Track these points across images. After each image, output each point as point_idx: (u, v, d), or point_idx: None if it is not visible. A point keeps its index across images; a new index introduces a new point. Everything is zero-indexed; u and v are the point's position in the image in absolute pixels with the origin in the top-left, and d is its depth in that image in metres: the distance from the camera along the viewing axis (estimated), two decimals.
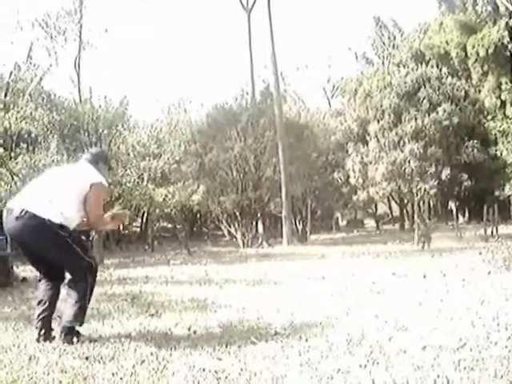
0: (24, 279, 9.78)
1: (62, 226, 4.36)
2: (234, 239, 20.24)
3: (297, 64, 38.20)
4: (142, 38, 56.70)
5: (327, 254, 13.09)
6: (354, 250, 13.94)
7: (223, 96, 33.55)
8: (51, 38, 25.48)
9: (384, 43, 33.62)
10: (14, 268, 9.92)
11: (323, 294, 6.55)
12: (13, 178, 12.79)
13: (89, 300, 4.54)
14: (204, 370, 3.49)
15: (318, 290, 6.96)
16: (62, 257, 4.48)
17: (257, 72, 24.27)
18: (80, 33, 24.09)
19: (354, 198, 20.90)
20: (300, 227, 21.81)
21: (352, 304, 5.69)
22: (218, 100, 22.15)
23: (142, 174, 16.29)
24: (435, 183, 18.83)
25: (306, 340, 4.19)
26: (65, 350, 4.10)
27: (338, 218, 32.69)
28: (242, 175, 19.39)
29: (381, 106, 22.60)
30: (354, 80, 28.36)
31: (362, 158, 19.78)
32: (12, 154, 14.27)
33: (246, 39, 23.52)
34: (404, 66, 25.47)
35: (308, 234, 21.54)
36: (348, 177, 20.41)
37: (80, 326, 4.45)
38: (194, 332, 4.59)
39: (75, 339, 4.29)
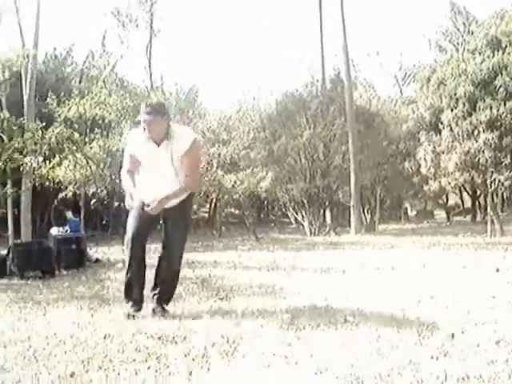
0: (97, 260, 10.11)
1: None
2: (301, 227, 20.21)
3: (368, 51, 37.51)
4: (212, 25, 57.17)
5: (396, 245, 12.89)
6: (424, 241, 13.67)
7: (293, 83, 33.31)
8: (123, 26, 26.11)
9: (458, 29, 32.61)
10: (88, 249, 10.26)
11: (393, 285, 6.47)
12: (87, 163, 13.19)
13: None
14: (274, 354, 3.51)
15: (387, 280, 6.89)
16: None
17: (327, 59, 24.02)
18: (151, 21, 24.52)
19: (425, 188, 20.41)
20: (368, 217, 21.56)
21: (423, 295, 5.58)
22: (287, 87, 22.05)
23: (211, 161, 16.49)
24: (510, 174, 18.17)
25: (376, 329, 4.14)
26: (138, 330, 4.22)
27: (407, 209, 32.09)
28: (310, 163, 19.29)
29: (455, 95, 21.86)
30: (427, 67, 27.65)
31: (435, 147, 19.27)
32: (87, 139, 14.69)
33: (317, 26, 23.32)
34: (479, 54, 24.59)
35: (376, 223, 21.27)
36: (419, 166, 19.94)
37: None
38: (264, 317, 4.62)
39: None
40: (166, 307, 4.84)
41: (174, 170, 4.62)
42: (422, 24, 60.80)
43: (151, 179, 4.72)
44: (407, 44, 58.18)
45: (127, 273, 4.83)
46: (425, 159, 19.26)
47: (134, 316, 4.66)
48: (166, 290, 4.89)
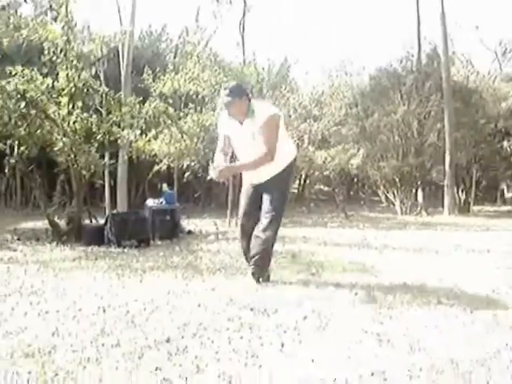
0: (190, 232, 10.36)
1: None
2: (392, 205, 19.87)
3: (466, 25, 36.06)
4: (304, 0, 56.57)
5: (492, 227, 12.46)
6: None
7: (386, 58, 32.53)
8: (217, 1, 26.25)
9: None
10: (181, 221, 10.52)
11: (488, 267, 6.27)
12: (182, 137, 13.46)
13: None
14: (366, 331, 3.50)
15: (482, 263, 6.68)
16: None
17: (423, 33, 23.16)
18: None
19: None
20: (462, 197, 20.88)
21: None
22: (380, 62, 21.53)
23: (302, 136, 16.43)
24: None
25: (471, 312, 4.04)
26: (231, 300, 4.31)
27: (503, 190, 30.88)
28: (403, 140, 18.85)
29: None
30: None
31: None
32: (181, 114, 14.97)
33: None
34: None
35: (471, 204, 20.59)
36: None
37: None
38: (355, 294, 4.60)
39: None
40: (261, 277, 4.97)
41: (257, 144, 4.78)
42: None
43: (241, 156, 5.04)
44: (508, 17, 55.38)
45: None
46: None
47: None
48: (261, 257, 4.98)
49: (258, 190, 5.06)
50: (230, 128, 5.03)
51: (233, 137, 5.06)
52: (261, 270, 4.98)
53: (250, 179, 5.14)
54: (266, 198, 4.96)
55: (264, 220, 4.91)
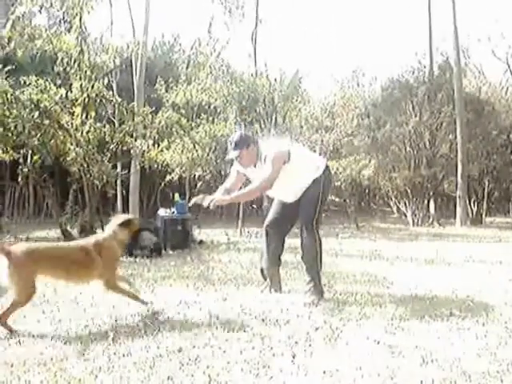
0: (201, 242, 10.36)
1: None
2: (404, 217, 19.79)
3: (478, 36, 35.92)
4: (316, 10, 56.73)
5: (505, 238, 12.37)
6: None
7: (398, 69, 32.55)
8: (229, 12, 26.43)
9: None
10: (192, 231, 10.52)
11: (501, 279, 6.23)
12: (194, 147, 13.52)
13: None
14: (378, 342, 3.49)
15: (494, 274, 6.63)
16: None
17: (435, 44, 23.13)
18: (257, 7, 24.63)
19: None
20: (474, 209, 20.77)
21: None
22: (392, 73, 21.49)
23: (313, 147, 16.43)
24: None
25: (483, 324, 4.02)
26: (243, 310, 4.31)
27: None
28: (415, 151, 18.80)
29: None
30: None
31: None
32: (193, 124, 15.04)
33: (426, 9, 22.55)
34: None
35: (483, 216, 20.47)
36: None
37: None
38: (367, 305, 4.59)
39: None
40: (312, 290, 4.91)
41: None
42: None
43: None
44: None
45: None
46: None
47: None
48: (307, 268, 5.03)
49: (290, 204, 5.11)
50: (246, 171, 5.15)
51: (249, 175, 5.18)
52: (313, 280, 4.97)
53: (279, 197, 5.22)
54: (299, 209, 5.02)
55: (301, 231, 4.99)
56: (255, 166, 4.96)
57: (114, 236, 4.42)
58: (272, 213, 5.28)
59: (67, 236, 9.15)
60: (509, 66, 34.61)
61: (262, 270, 5.30)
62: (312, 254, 4.94)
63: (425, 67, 21.59)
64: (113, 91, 13.90)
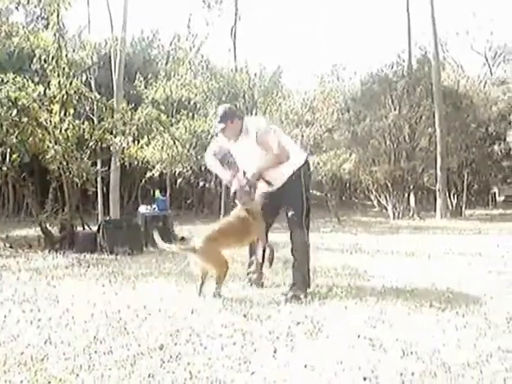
0: (183, 238, 10.32)
1: None
2: (384, 210, 19.95)
3: (456, 30, 36.22)
4: (295, 5, 56.73)
5: (484, 230, 12.51)
6: None
7: (377, 63, 32.69)
8: (208, 7, 26.35)
9: None
10: (174, 228, 10.50)
11: (480, 271, 6.30)
12: (174, 143, 13.46)
13: None
14: (359, 336, 3.51)
15: (474, 266, 6.70)
16: None
17: (414, 39, 23.27)
18: (236, 2, 24.57)
19: None
20: (454, 201, 20.97)
21: None
22: (372, 68, 21.58)
23: (295, 142, 16.45)
24: None
25: (463, 316, 4.05)
26: (224, 306, 4.31)
27: (495, 194, 31.05)
28: (395, 145, 18.96)
29: None
30: None
31: None
32: (173, 120, 14.97)
33: (404, 3, 22.67)
34: None
35: (463, 208, 20.67)
36: (509, 150, 19.22)
37: None
38: (348, 298, 4.61)
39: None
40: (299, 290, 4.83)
41: (260, 152, 4.91)
42: None
43: (247, 167, 5.08)
44: (498, 22, 55.69)
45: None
46: None
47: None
48: (296, 268, 5.03)
49: (273, 202, 5.14)
50: (230, 146, 5.18)
51: (235, 154, 5.24)
52: (301, 275, 4.96)
53: (265, 188, 5.17)
54: (285, 204, 5.09)
55: (289, 227, 5.03)
56: (236, 141, 5.03)
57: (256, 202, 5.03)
58: None
59: (47, 234, 9.07)
60: (487, 60, 34.96)
61: (249, 265, 5.31)
62: (303, 249, 4.98)
63: (404, 61, 21.75)
64: (91, 88, 13.79)
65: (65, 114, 9.08)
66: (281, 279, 5.56)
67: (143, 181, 17.99)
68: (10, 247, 9.04)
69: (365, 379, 2.80)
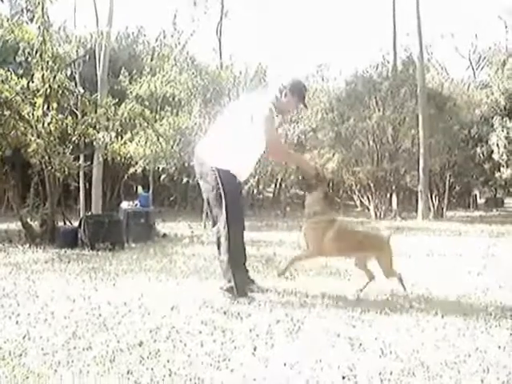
0: (165, 235, 10.32)
1: None
2: (367, 210, 20.03)
3: (441, 33, 36.44)
4: (281, 4, 56.78)
5: (464, 232, 12.61)
6: (494, 230, 13.29)
7: (362, 64, 32.86)
8: (194, 4, 26.32)
9: None
10: (155, 224, 10.47)
11: (460, 272, 6.35)
12: (158, 139, 13.39)
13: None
14: (339, 335, 3.53)
15: (454, 267, 6.76)
16: None
17: (399, 40, 23.37)
18: (222, 0, 24.57)
19: (497, 175, 19.81)
20: (436, 203, 21.11)
21: (491, 284, 5.46)
22: (357, 68, 21.63)
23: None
24: None
25: (442, 316, 4.08)
26: (205, 303, 4.31)
27: (476, 196, 31.35)
28: (378, 146, 19.03)
29: None
30: (503, 51, 26.68)
31: (508, 133, 18.64)
32: (157, 117, 14.89)
33: (390, 5, 22.77)
34: None
35: (444, 209, 20.83)
36: (491, 152, 19.34)
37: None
38: (328, 297, 4.63)
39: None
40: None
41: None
42: (498, 5, 58.57)
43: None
44: (482, 26, 56.25)
45: None
46: (497, 145, 18.65)
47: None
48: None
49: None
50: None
51: None
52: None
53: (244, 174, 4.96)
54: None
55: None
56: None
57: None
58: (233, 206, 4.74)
59: (28, 229, 9.00)
60: (471, 63, 35.24)
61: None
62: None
63: (388, 62, 21.85)
64: (75, 82, 13.66)
65: (48, 108, 9.00)
66: (262, 277, 5.56)
67: (126, 176, 17.91)
68: None
69: (344, 378, 2.82)
